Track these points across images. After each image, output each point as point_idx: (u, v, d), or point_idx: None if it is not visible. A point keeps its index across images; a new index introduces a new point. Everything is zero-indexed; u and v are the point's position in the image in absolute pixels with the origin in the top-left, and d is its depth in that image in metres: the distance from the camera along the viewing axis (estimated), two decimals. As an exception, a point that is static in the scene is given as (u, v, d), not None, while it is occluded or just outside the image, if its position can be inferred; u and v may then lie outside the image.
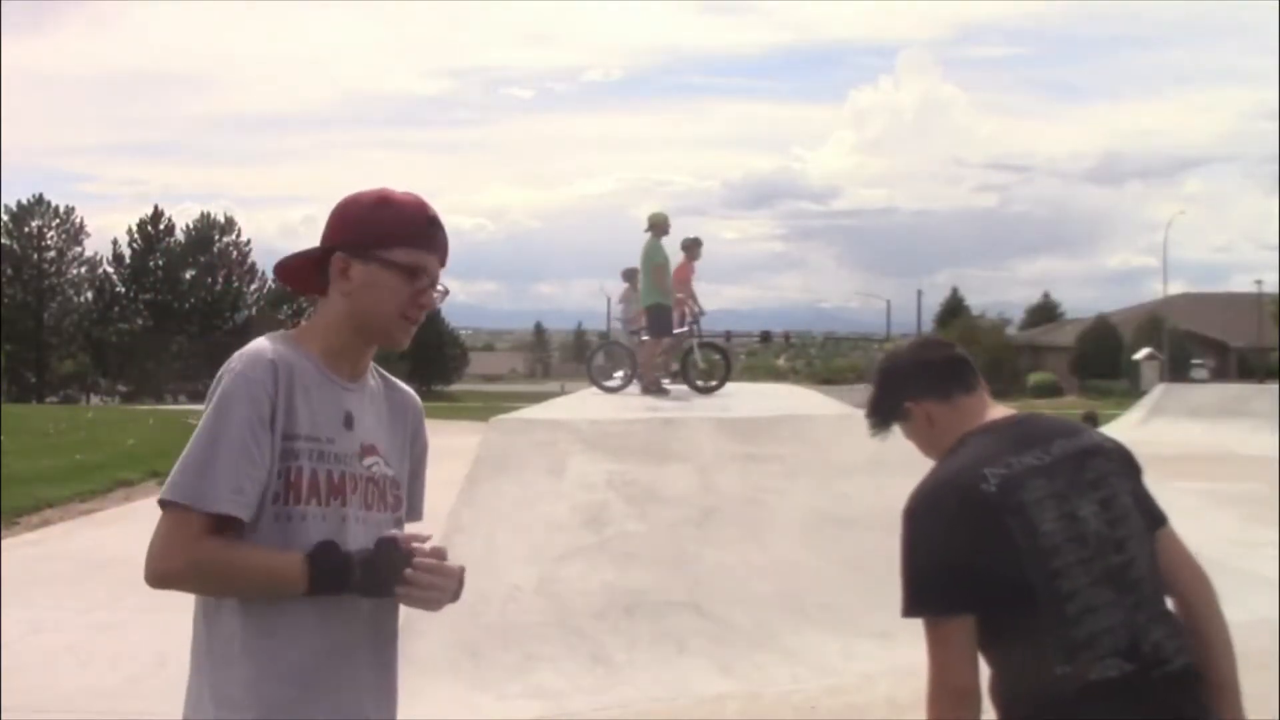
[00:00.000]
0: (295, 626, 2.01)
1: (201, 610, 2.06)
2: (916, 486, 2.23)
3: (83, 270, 66.99)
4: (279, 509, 2.01)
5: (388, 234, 2.08)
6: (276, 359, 2.02)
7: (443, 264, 2.16)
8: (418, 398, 2.32)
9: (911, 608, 2.15)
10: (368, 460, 2.12)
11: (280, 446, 2.00)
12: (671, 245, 12.63)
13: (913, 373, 2.39)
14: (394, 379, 2.27)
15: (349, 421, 2.10)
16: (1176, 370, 51.51)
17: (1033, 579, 2.06)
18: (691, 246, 14.04)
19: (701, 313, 13.86)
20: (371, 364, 2.22)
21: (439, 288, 2.15)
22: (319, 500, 2.04)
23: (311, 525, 2.02)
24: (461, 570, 2.11)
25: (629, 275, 14.39)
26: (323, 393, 2.07)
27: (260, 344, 2.06)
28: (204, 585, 2.01)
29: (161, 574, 1.95)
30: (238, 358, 2.02)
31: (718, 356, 13.57)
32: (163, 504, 1.97)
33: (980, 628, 2.10)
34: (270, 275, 69.83)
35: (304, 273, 2.18)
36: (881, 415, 2.43)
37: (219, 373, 2.03)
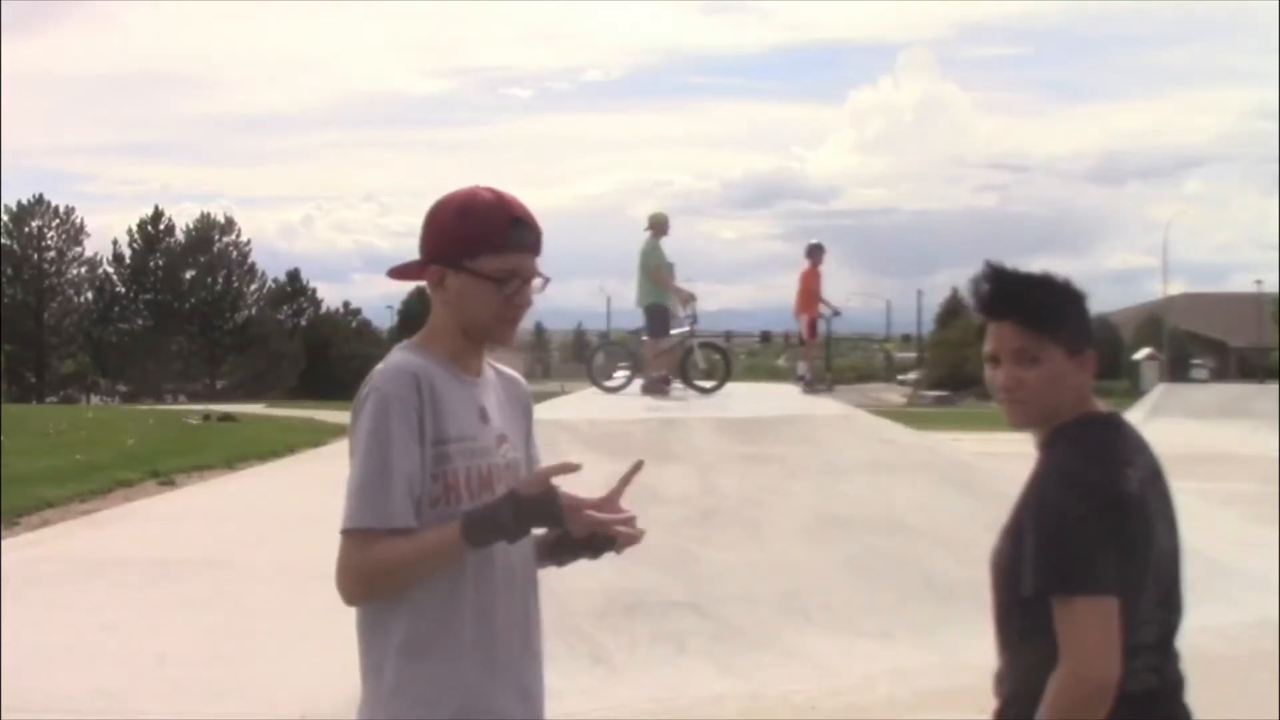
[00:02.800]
0: (469, 623, 2.12)
1: (368, 619, 2.15)
2: (1059, 461, 2.10)
3: (83, 270, 66.97)
4: (439, 511, 2.10)
5: (472, 244, 2.14)
6: (417, 370, 2.12)
7: (537, 254, 2.21)
8: (522, 379, 2.41)
9: (1052, 581, 1.98)
10: (503, 449, 2.22)
11: (433, 453, 2.10)
12: (671, 245, 12.63)
13: (1091, 326, 2.21)
14: (501, 365, 2.36)
15: (484, 416, 2.20)
16: (1176, 370, 51.55)
17: (1131, 584, 2.05)
18: (815, 253, 14.27)
19: (836, 313, 14.34)
20: None
21: (537, 280, 2.21)
22: (472, 496, 2.12)
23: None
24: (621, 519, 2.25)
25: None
26: (459, 393, 2.17)
27: (397, 358, 2.16)
28: (392, 587, 2.09)
29: (355, 596, 2.10)
30: (379, 374, 2.13)
31: (718, 356, 13.57)
32: (346, 533, 2.07)
33: (1044, 614, 2.00)
34: (270, 276, 70.31)
35: (413, 274, 2.26)
36: (1066, 330, 2.14)
37: (361, 391, 2.13)
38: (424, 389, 2.10)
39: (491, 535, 2.06)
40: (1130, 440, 2.17)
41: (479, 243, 2.13)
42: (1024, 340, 2.14)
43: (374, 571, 2.06)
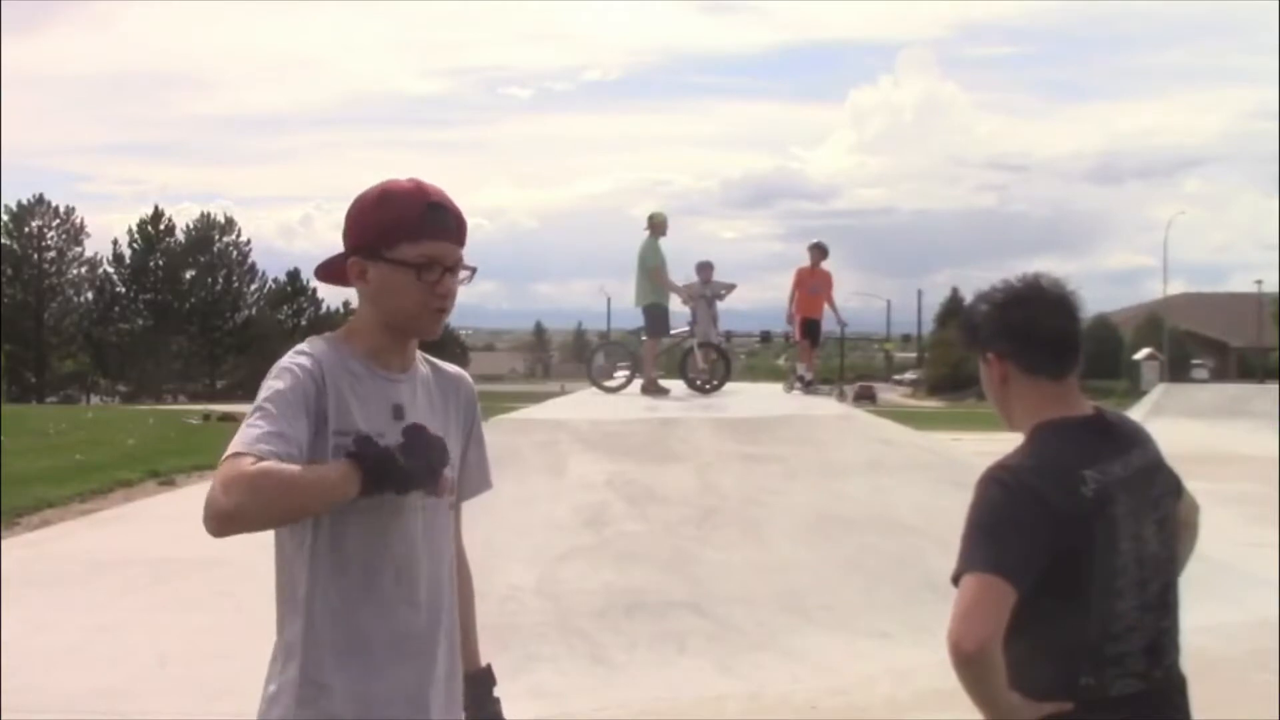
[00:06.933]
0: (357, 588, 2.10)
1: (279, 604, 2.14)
2: (1005, 463, 2.11)
3: (83, 270, 67.03)
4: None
5: (390, 231, 2.10)
6: (320, 357, 2.09)
7: (459, 243, 2.16)
8: (467, 376, 2.35)
9: (970, 561, 2.00)
10: None
11: (334, 442, 2.04)
12: (669, 245, 12.63)
13: (1014, 329, 2.20)
14: (442, 363, 2.31)
15: (398, 413, 2.14)
16: (1176, 370, 51.58)
17: (1095, 590, 2.05)
18: (810, 252, 14.05)
19: (843, 324, 14.31)
20: (420, 352, 2.26)
21: (464, 270, 2.17)
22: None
23: (364, 517, 2.07)
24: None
25: (702, 269, 13.86)
26: (371, 388, 2.13)
27: (304, 345, 2.13)
28: (264, 509, 1.92)
29: (223, 513, 1.90)
30: (285, 357, 2.10)
31: (717, 357, 13.57)
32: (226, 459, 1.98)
33: (1019, 615, 1.99)
34: (270, 276, 70.37)
35: (339, 273, 2.21)
36: (968, 343, 2.28)
37: (271, 371, 2.09)
38: (327, 373, 2.06)
39: (386, 481, 1.96)
40: (1111, 442, 2.15)
41: (395, 230, 2.09)
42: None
43: (261, 482, 1.89)
